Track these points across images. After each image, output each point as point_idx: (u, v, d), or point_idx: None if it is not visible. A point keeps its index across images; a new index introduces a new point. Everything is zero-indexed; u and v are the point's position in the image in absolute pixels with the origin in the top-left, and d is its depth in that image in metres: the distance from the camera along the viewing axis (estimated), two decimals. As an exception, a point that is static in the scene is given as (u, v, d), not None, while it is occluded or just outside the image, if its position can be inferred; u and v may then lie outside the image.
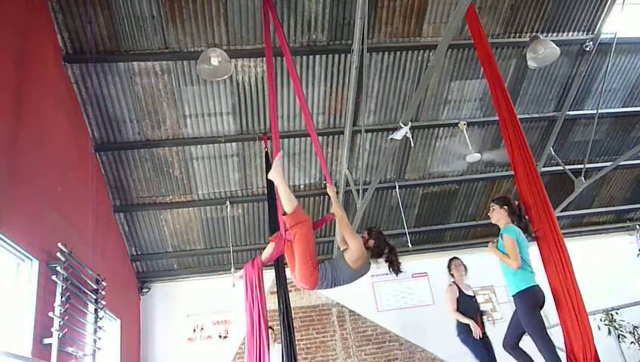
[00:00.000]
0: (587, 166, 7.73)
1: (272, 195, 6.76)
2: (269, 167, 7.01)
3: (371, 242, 3.89)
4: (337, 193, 8.07)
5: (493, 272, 9.48)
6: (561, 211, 8.54)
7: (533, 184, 3.90)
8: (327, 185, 4.37)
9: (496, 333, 8.85)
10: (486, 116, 7.87)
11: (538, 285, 4.09)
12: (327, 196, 8.30)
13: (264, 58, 6.45)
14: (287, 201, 3.63)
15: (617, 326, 7.92)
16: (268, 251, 4.13)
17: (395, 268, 3.98)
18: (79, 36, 5.83)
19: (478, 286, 9.26)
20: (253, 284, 4.15)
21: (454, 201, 9.01)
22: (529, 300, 4.04)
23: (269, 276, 7.88)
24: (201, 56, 5.72)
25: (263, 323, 4.18)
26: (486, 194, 9.03)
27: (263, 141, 7.25)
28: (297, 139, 7.44)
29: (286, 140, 7.42)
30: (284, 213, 3.67)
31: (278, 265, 6.20)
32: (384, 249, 3.95)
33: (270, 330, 7.10)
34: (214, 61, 5.64)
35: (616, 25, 6.94)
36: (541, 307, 4.09)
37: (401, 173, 8.36)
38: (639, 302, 6.36)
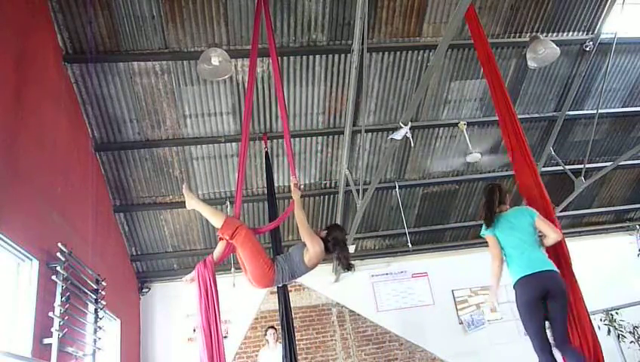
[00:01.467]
0: (587, 166, 7.73)
1: (272, 195, 6.79)
2: (268, 167, 7.06)
3: (329, 237, 3.85)
4: (337, 193, 8.08)
5: (493, 272, 9.53)
6: (561, 211, 8.54)
7: (533, 181, 3.93)
8: (293, 186, 4.30)
9: (497, 333, 8.89)
10: (486, 116, 7.87)
11: (526, 276, 3.58)
12: (327, 196, 8.32)
13: (264, 58, 6.46)
14: (212, 219, 3.86)
15: (617, 326, 7.92)
16: (219, 250, 4.12)
17: (343, 264, 3.91)
18: (79, 36, 5.83)
19: (477, 286, 9.29)
20: (207, 284, 4.04)
21: (454, 201, 9.02)
22: (516, 297, 3.78)
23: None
24: (202, 56, 5.72)
25: (219, 325, 4.10)
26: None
27: (263, 141, 7.25)
28: (297, 139, 7.44)
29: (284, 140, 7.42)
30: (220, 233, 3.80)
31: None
32: (336, 248, 3.88)
33: (272, 330, 7.11)
34: (215, 61, 5.63)
35: (616, 25, 6.94)
36: (538, 299, 3.54)
37: (401, 173, 8.36)
38: (639, 302, 6.36)
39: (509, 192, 9.09)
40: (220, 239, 3.98)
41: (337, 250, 3.86)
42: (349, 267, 3.94)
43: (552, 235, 3.64)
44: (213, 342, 3.97)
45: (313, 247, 3.71)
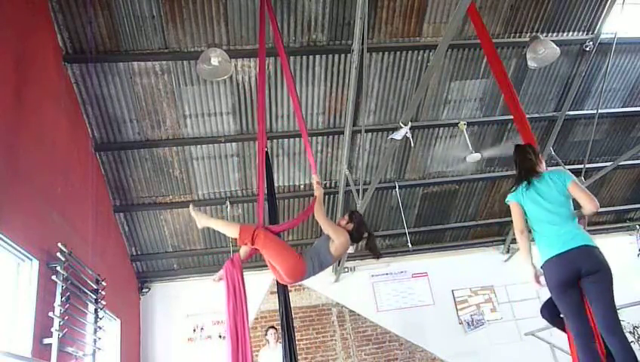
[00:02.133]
0: (587, 166, 7.73)
1: (272, 195, 6.78)
2: (268, 167, 7.05)
3: (350, 226, 3.93)
4: (337, 193, 8.08)
5: (493, 272, 9.59)
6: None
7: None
8: (316, 184, 4.32)
9: (497, 333, 8.90)
10: (486, 116, 7.87)
11: (555, 256, 3.04)
12: (327, 196, 8.30)
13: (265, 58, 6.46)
14: (228, 231, 3.94)
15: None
16: (244, 251, 4.19)
17: (375, 253, 4.07)
18: (79, 36, 5.83)
19: (478, 286, 9.30)
20: (235, 283, 4.04)
21: (454, 201, 9.01)
22: (545, 279, 3.20)
23: (269, 276, 7.90)
24: (202, 56, 5.72)
25: (246, 326, 4.08)
26: (486, 194, 9.04)
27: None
28: (297, 139, 7.44)
29: (286, 140, 7.43)
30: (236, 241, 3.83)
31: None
32: (363, 234, 4.01)
33: (273, 330, 7.10)
34: (214, 61, 5.64)
35: (616, 25, 6.94)
36: (570, 281, 3.00)
37: (401, 173, 8.36)
38: (639, 302, 6.36)
39: (509, 193, 9.16)
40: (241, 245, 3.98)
41: (366, 236, 4.01)
42: (379, 254, 4.09)
43: (588, 206, 3.02)
44: (240, 342, 3.96)
45: (338, 238, 3.78)
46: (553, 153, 8.02)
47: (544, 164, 3.41)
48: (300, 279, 3.88)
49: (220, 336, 8.37)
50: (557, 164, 8.05)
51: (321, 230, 4.05)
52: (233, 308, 4.01)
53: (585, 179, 7.58)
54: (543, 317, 3.77)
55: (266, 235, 3.78)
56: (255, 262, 8.94)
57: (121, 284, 7.53)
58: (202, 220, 4.11)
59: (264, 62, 5.19)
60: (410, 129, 4.54)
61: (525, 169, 3.30)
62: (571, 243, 2.98)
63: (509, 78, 4.33)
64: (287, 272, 3.75)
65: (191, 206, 4.29)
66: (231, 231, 3.87)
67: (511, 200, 3.32)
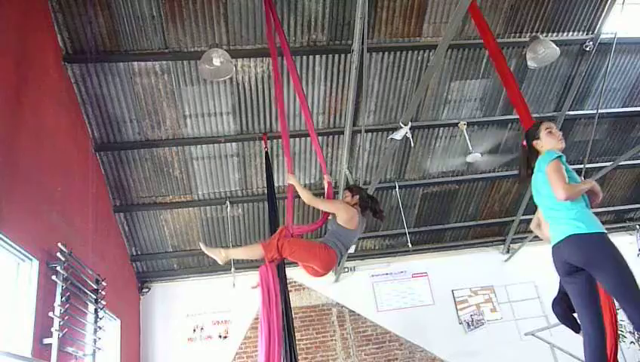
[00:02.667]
0: (587, 166, 7.73)
1: (272, 196, 6.78)
2: (268, 167, 7.05)
3: (356, 198, 4.04)
4: (337, 193, 8.08)
5: (493, 272, 9.59)
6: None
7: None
8: (327, 185, 4.40)
9: (497, 333, 8.90)
10: (486, 116, 7.87)
11: (552, 249, 2.84)
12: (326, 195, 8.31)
13: (264, 58, 6.47)
14: (252, 255, 3.94)
15: (617, 326, 7.91)
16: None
17: (379, 216, 4.16)
18: (79, 36, 5.83)
19: (478, 286, 9.30)
20: (271, 289, 4.06)
21: (454, 201, 9.01)
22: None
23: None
24: (203, 56, 5.72)
25: (280, 331, 4.16)
26: (486, 194, 9.04)
27: (263, 141, 7.25)
28: (297, 139, 7.44)
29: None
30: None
31: (278, 264, 6.19)
32: (368, 200, 4.09)
33: None
34: (216, 61, 5.64)
35: (616, 25, 6.93)
36: (567, 276, 2.82)
37: (401, 173, 8.36)
38: (639, 302, 6.35)
39: (508, 193, 9.20)
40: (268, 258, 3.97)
41: (370, 202, 4.08)
42: (383, 216, 4.20)
43: (555, 195, 2.74)
44: (271, 348, 3.99)
45: (338, 209, 3.88)
46: (553, 153, 8.02)
47: (549, 139, 3.17)
48: (333, 266, 3.97)
49: (220, 336, 8.38)
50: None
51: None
52: (267, 315, 4.06)
53: (585, 179, 7.59)
54: (555, 312, 3.72)
55: (289, 243, 3.83)
56: (254, 261, 8.95)
57: (121, 284, 7.53)
58: (222, 255, 4.00)
59: (276, 60, 5.25)
60: (410, 129, 4.54)
61: (522, 168, 3.20)
62: (560, 234, 2.76)
63: (513, 75, 4.32)
64: (322, 265, 3.83)
65: (202, 245, 4.25)
66: (254, 253, 3.88)
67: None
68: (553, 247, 2.83)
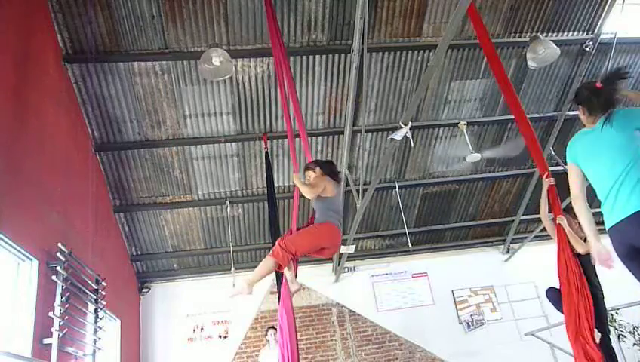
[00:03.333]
0: (587, 166, 7.71)
1: (272, 196, 6.78)
2: (268, 167, 7.06)
3: (318, 170, 4.29)
4: None
5: (493, 272, 9.59)
6: (562, 211, 8.53)
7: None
8: (294, 175, 4.58)
9: (497, 333, 8.90)
10: (486, 116, 7.87)
11: (624, 219, 2.45)
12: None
13: (264, 58, 6.47)
14: (267, 269, 3.89)
15: (617, 326, 7.93)
16: (289, 272, 4.39)
17: (337, 178, 4.37)
18: (79, 36, 5.83)
19: (478, 286, 9.30)
20: (289, 311, 4.39)
21: (454, 201, 9.01)
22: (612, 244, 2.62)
23: (269, 276, 7.88)
24: (203, 56, 5.72)
25: (296, 350, 4.36)
26: (486, 194, 9.04)
27: (263, 141, 7.25)
28: (297, 139, 7.41)
29: (286, 140, 7.42)
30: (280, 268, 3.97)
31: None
32: (327, 167, 4.35)
33: (273, 330, 7.10)
34: (216, 61, 5.64)
35: (616, 25, 6.94)
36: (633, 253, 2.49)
37: (401, 173, 8.36)
38: (639, 302, 6.37)
39: (508, 193, 9.20)
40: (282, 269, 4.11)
41: (329, 166, 4.41)
42: (339, 178, 4.43)
43: None
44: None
45: (318, 186, 4.06)
46: (553, 153, 8.02)
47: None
48: (340, 237, 4.13)
49: (220, 336, 8.39)
50: (557, 165, 8.07)
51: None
52: (289, 337, 4.25)
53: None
54: (548, 298, 3.78)
55: (292, 238, 3.92)
56: (254, 261, 8.95)
57: (121, 284, 7.53)
58: (246, 288, 3.88)
59: (279, 60, 5.25)
60: (410, 129, 4.54)
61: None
62: (627, 208, 2.45)
63: (508, 79, 4.35)
64: (329, 240, 4.00)
65: (230, 296, 4.22)
66: (268, 266, 3.85)
67: (568, 161, 2.97)
68: (615, 226, 2.50)
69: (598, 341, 3.39)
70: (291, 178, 7.95)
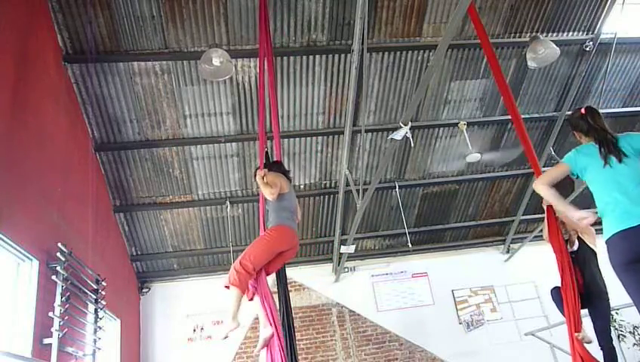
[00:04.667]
0: (587, 166, 7.71)
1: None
2: (274, 165, 7.04)
3: (266, 170, 4.27)
4: (337, 193, 8.07)
5: (493, 272, 9.59)
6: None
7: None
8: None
9: (497, 333, 8.90)
10: (486, 116, 7.87)
11: (627, 229, 2.59)
12: (327, 196, 8.32)
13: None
14: (237, 298, 3.88)
15: (617, 326, 7.92)
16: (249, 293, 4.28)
17: (287, 174, 4.50)
18: (79, 36, 5.83)
19: (478, 286, 9.30)
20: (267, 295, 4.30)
21: (454, 201, 9.01)
22: (610, 254, 2.73)
23: (269, 276, 7.88)
24: (203, 56, 5.72)
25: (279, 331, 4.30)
26: (486, 194, 9.04)
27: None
28: (297, 139, 7.44)
29: (286, 140, 7.42)
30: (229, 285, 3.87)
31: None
32: (275, 167, 4.46)
33: None
34: (216, 61, 5.63)
35: (616, 25, 6.94)
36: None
37: (401, 173, 8.36)
38: (639, 302, 6.36)
39: (508, 193, 9.20)
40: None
41: (276, 166, 4.52)
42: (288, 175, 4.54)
43: None
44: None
45: (270, 186, 4.05)
46: (553, 153, 8.03)
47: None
48: (294, 238, 4.13)
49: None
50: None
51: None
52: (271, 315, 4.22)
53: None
54: (552, 298, 3.82)
55: (243, 257, 3.83)
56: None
57: (121, 284, 7.53)
58: (231, 323, 3.92)
59: (263, 61, 5.26)
60: (410, 129, 4.54)
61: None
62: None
63: (506, 81, 4.37)
64: (288, 245, 4.02)
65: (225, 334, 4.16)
66: (237, 295, 3.84)
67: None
68: (626, 230, 2.60)
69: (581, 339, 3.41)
70: (292, 178, 7.96)
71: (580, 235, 4.12)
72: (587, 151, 2.98)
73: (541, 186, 3.10)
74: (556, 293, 3.82)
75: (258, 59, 5.49)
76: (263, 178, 4.11)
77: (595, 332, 4.05)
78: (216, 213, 8.10)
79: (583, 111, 3.17)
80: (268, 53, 5.19)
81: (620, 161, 2.78)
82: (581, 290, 3.77)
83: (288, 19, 6.20)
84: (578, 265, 3.98)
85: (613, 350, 4.04)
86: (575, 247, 4.10)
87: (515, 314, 9.01)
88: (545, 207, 3.85)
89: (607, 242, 2.74)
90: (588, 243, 4.08)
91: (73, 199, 5.70)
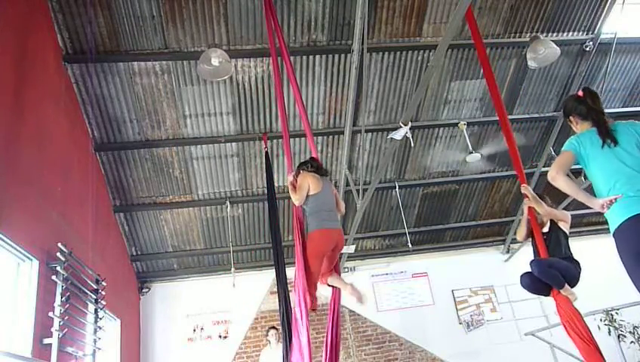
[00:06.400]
0: (587, 166, 7.71)
1: (272, 196, 6.78)
2: (268, 167, 7.06)
3: (301, 177, 4.25)
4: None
5: (493, 272, 9.59)
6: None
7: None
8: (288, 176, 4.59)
9: (497, 333, 8.90)
10: (486, 116, 7.87)
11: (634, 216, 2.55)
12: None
13: (264, 58, 6.47)
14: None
15: (617, 326, 7.91)
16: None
17: (320, 171, 4.35)
18: (79, 36, 5.83)
19: (478, 286, 9.30)
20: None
21: (454, 201, 9.01)
22: (618, 243, 2.70)
23: (269, 276, 7.89)
24: (202, 56, 5.72)
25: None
26: (486, 194, 9.04)
27: (263, 141, 7.25)
28: (297, 139, 7.44)
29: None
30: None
31: (279, 265, 6.21)
32: (308, 164, 4.34)
33: (274, 330, 7.10)
34: (215, 61, 5.64)
35: (616, 25, 6.94)
36: None
37: (401, 173, 8.36)
38: (639, 302, 6.37)
39: (508, 193, 9.20)
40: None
41: (306, 165, 4.37)
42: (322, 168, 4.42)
43: None
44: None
45: (303, 187, 4.08)
46: (553, 153, 8.04)
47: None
48: (333, 237, 4.10)
49: (220, 336, 8.39)
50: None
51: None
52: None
53: (585, 180, 7.58)
54: (523, 285, 4.05)
55: (301, 276, 4.09)
56: (254, 261, 8.96)
57: (121, 284, 7.53)
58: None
59: (277, 61, 5.29)
60: (410, 129, 4.54)
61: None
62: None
63: (497, 85, 4.49)
64: (330, 244, 4.05)
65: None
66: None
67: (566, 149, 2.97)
68: (636, 216, 2.55)
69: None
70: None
71: (556, 221, 4.36)
72: (588, 135, 2.87)
73: (560, 177, 2.81)
74: (526, 278, 3.99)
75: (271, 58, 5.45)
76: (294, 183, 4.17)
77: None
78: (216, 213, 8.10)
79: (580, 93, 3.00)
80: (282, 51, 5.18)
81: (616, 145, 2.73)
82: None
83: (288, 20, 6.20)
84: (550, 244, 4.30)
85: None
86: (546, 229, 4.40)
87: (515, 314, 9.01)
88: (525, 209, 4.02)
89: (617, 230, 2.65)
90: (561, 226, 4.31)
91: (73, 199, 5.70)
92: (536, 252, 4.19)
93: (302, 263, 4.08)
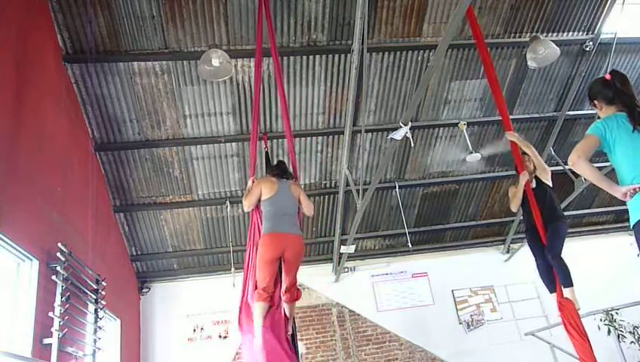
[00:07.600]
0: (587, 166, 7.70)
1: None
2: (268, 167, 7.04)
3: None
4: (337, 193, 8.07)
5: (493, 272, 9.59)
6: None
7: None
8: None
9: (497, 333, 8.90)
10: (486, 116, 7.87)
11: None
12: (327, 196, 8.33)
13: (264, 58, 6.44)
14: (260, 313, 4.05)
15: (617, 326, 7.91)
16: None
17: (274, 173, 4.54)
18: (79, 36, 5.83)
19: (478, 286, 9.30)
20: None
21: (454, 201, 9.01)
22: (638, 236, 2.65)
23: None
24: (202, 57, 5.72)
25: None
26: (486, 194, 9.04)
27: (263, 141, 7.24)
28: (297, 139, 7.43)
29: (286, 140, 7.42)
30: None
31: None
32: (273, 169, 4.55)
33: None
34: (215, 62, 5.64)
35: (616, 25, 6.94)
36: None
37: (401, 173, 8.36)
38: (639, 302, 6.37)
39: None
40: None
41: (271, 168, 4.61)
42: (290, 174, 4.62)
43: None
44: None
45: (252, 193, 4.25)
46: (553, 153, 8.04)
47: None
48: (279, 241, 4.12)
49: (220, 336, 8.38)
50: (557, 164, 8.07)
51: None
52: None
53: (585, 180, 7.59)
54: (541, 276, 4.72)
55: (255, 279, 4.08)
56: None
57: (121, 284, 7.53)
58: None
59: (260, 61, 5.33)
60: (410, 129, 4.54)
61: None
62: None
63: (499, 86, 4.70)
64: (280, 249, 4.07)
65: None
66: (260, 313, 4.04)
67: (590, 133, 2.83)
68: None
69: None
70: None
71: (537, 175, 4.80)
72: (615, 119, 2.73)
73: (582, 161, 2.66)
74: (542, 269, 4.54)
75: (254, 58, 5.50)
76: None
77: (547, 247, 4.59)
78: (216, 213, 8.10)
79: (607, 76, 2.87)
80: (273, 52, 5.20)
81: None
82: (543, 217, 4.55)
83: (288, 20, 6.20)
84: (538, 198, 4.65)
85: (562, 259, 4.49)
86: (534, 185, 4.78)
87: (515, 314, 9.01)
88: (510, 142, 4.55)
89: (638, 222, 2.54)
90: (544, 180, 4.76)
91: (73, 199, 5.69)
92: (531, 219, 4.59)
93: (253, 268, 4.11)
